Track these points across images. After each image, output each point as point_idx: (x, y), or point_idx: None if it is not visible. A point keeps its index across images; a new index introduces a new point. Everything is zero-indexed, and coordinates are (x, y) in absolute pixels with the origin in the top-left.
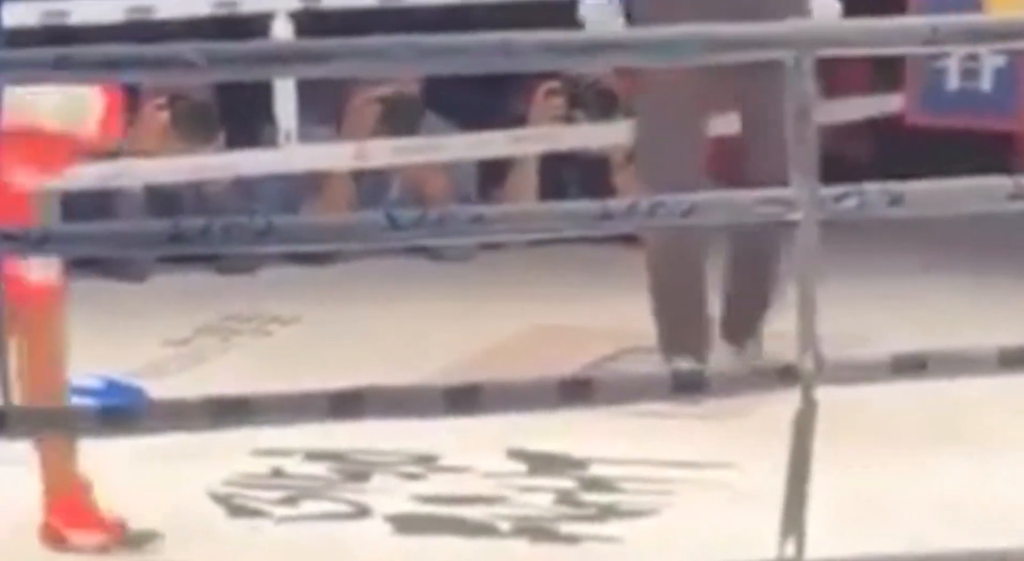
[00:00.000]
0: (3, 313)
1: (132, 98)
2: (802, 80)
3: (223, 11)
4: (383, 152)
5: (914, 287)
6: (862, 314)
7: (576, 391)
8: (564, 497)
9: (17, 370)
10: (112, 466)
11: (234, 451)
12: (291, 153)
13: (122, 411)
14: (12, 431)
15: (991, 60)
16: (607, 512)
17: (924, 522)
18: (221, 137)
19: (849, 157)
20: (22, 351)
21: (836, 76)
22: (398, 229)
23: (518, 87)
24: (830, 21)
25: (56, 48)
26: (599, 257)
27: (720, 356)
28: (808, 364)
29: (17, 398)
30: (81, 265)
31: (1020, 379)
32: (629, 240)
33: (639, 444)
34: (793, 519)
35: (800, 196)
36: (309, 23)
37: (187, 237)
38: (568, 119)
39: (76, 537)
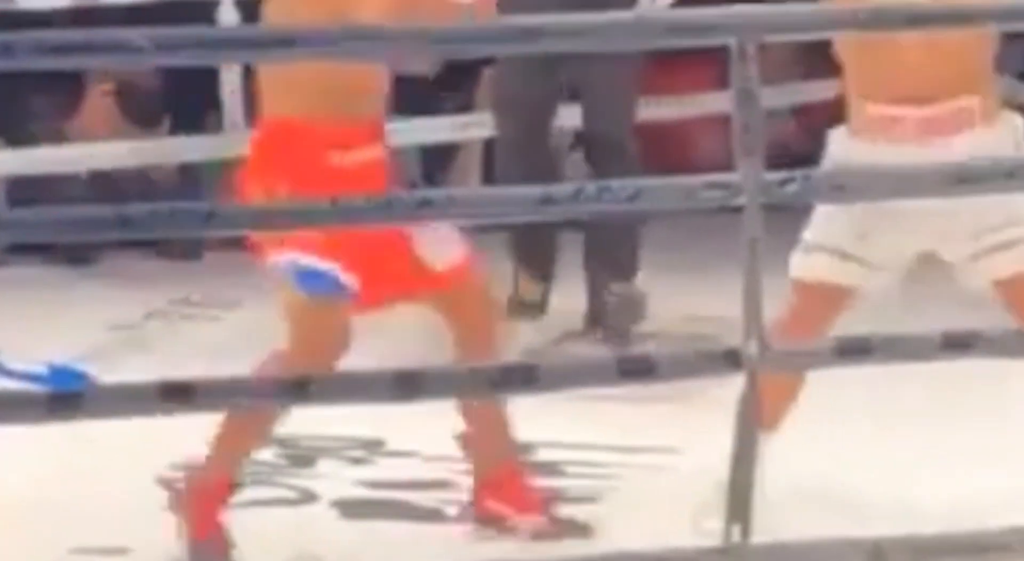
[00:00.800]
0: None
1: (78, 84)
2: (745, 66)
3: None
4: None
5: None
6: None
7: (521, 376)
8: None
9: None
10: (57, 450)
11: (180, 435)
12: (236, 138)
13: (68, 396)
14: None
15: None
16: (552, 497)
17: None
18: (166, 123)
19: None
20: None
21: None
22: (343, 213)
23: (464, 74)
24: (773, 8)
25: (2, 34)
26: None
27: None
28: (752, 349)
29: None
30: (27, 251)
31: None
32: (575, 225)
33: (584, 429)
34: (738, 503)
35: (745, 181)
36: (255, 9)
37: (134, 222)
38: None
39: None
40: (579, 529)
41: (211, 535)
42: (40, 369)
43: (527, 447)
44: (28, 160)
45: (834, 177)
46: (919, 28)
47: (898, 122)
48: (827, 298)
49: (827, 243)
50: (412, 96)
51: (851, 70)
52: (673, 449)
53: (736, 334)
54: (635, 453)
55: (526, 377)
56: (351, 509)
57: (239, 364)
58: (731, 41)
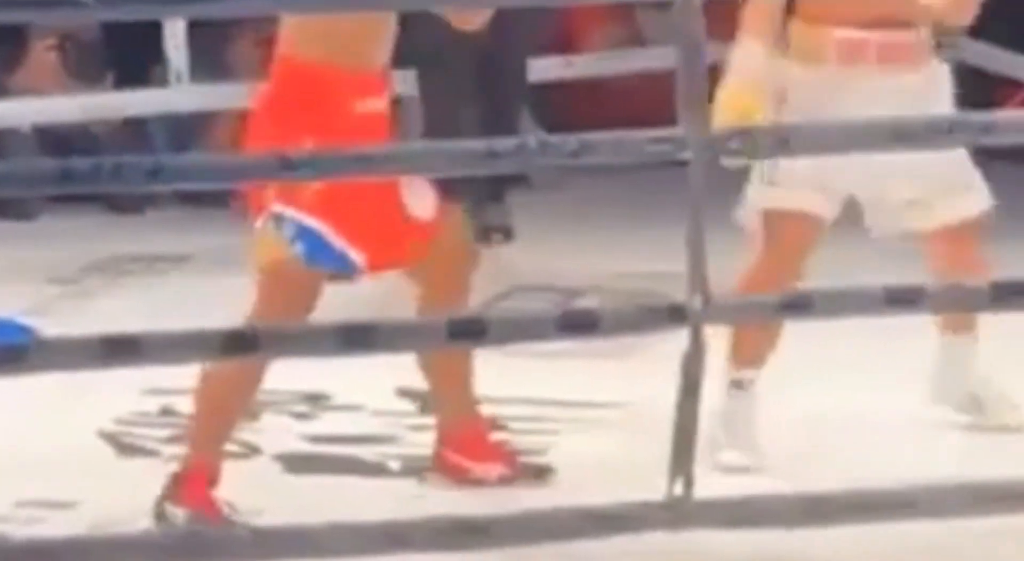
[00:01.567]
0: None
1: (21, 38)
2: (690, 19)
3: None
4: None
5: None
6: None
7: (466, 330)
8: None
9: None
10: (0, 403)
11: (123, 390)
12: (181, 93)
13: (10, 350)
14: None
15: None
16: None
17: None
18: (110, 77)
19: None
20: None
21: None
22: (289, 168)
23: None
24: None
25: None
26: None
27: None
28: (696, 304)
29: None
30: None
31: None
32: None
33: (528, 383)
34: (682, 458)
35: (689, 135)
36: None
37: (76, 176)
38: None
39: None
40: (541, 473)
41: (211, 514)
42: None
43: None
44: None
45: (779, 131)
46: None
47: (862, 46)
48: (802, 227)
49: (795, 174)
50: None
51: None
52: (617, 404)
53: (679, 290)
54: (580, 408)
55: (476, 330)
56: (294, 463)
57: (184, 320)
58: None
